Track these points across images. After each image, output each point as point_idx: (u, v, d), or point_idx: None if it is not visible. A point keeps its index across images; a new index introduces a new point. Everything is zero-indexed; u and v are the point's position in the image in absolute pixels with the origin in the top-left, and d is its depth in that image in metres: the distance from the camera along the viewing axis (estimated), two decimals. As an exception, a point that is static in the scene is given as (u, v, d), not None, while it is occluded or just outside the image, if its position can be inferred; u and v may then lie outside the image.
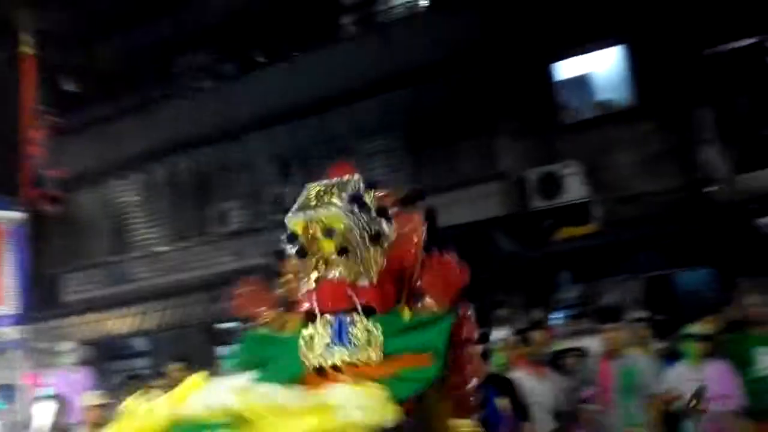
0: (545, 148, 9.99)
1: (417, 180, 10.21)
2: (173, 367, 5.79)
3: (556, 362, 5.99)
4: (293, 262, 2.06)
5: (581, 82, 10.44)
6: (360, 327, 1.85)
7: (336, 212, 1.87)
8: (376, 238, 1.90)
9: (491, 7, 10.09)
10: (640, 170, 9.44)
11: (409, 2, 11.62)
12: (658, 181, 9.24)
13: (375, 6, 12.00)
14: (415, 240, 1.93)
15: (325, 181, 2.01)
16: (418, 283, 1.95)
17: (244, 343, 2.13)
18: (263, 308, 2.07)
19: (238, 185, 12.48)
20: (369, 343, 1.87)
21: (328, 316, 1.90)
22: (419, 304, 1.95)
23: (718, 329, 5.28)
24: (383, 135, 11.25)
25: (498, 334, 5.76)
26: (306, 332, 1.93)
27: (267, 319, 2.06)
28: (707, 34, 8.91)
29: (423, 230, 1.95)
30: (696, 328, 5.19)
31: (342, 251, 1.87)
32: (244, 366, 2.03)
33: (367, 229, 1.88)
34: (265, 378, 1.88)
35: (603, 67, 10.28)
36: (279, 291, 2.09)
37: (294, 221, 1.94)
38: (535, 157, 9.93)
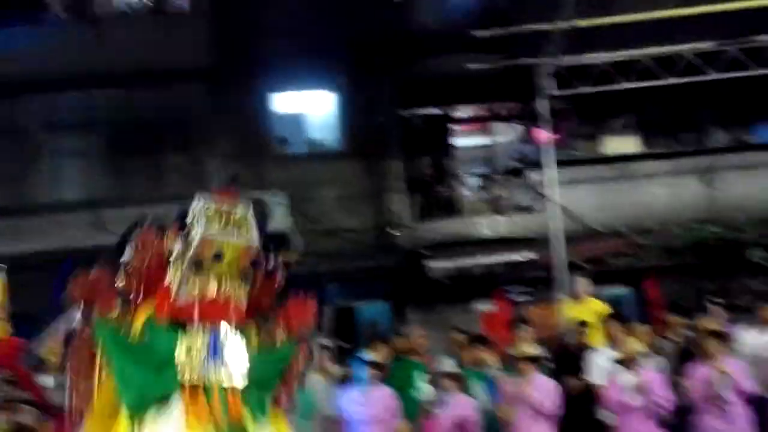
0: (254, 175, 10.19)
1: (117, 189, 9.50)
2: None
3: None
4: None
5: (296, 119, 11.00)
6: (232, 342, 2.05)
7: (252, 248, 2.13)
8: (270, 274, 2.24)
9: (219, 28, 10.07)
10: (340, 207, 10.24)
11: (131, 2, 10.92)
12: (354, 219, 10.12)
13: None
14: (277, 281, 2.28)
15: (231, 205, 2.17)
16: (273, 314, 2.26)
17: (110, 338, 2.05)
18: (106, 299, 2.03)
19: None
20: (237, 362, 2.08)
21: (202, 327, 2.03)
22: (270, 330, 2.24)
23: (387, 357, 5.92)
24: (82, 135, 10.23)
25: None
26: (184, 342, 2.02)
27: (111, 312, 2.03)
28: (406, 97, 10.18)
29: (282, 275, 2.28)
30: (369, 355, 5.76)
31: (244, 277, 2.13)
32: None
33: (264, 267, 2.20)
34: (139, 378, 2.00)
35: (318, 109, 11.00)
36: (120, 283, 2.08)
37: (216, 239, 2.08)
38: (244, 182, 10.02)
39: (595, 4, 8.04)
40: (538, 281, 8.70)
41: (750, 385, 5.42)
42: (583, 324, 6.63)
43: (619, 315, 6.63)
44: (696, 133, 10.83)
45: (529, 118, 9.75)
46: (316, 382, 5.72)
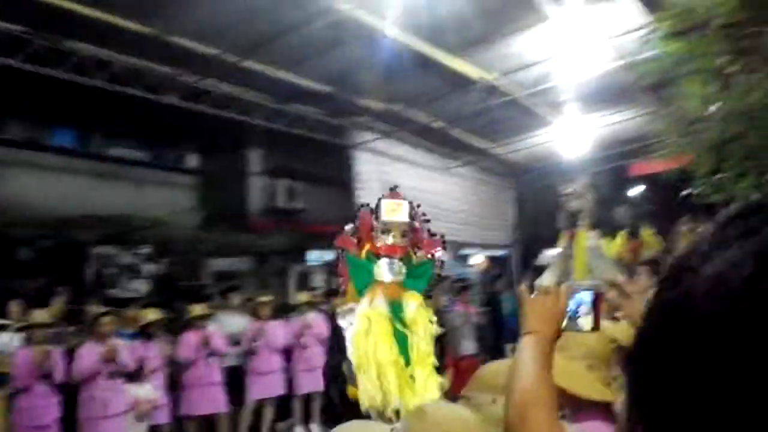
0: None
1: None
2: None
3: None
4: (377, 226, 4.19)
5: None
6: (398, 264, 4.08)
7: (405, 223, 4.19)
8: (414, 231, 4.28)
9: None
10: None
11: None
12: None
13: None
14: (424, 230, 4.27)
15: (396, 201, 4.17)
16: (421, 246, 4.29)
17: (354, 262, 4.15)
18: (352, 245, 4.18)
19: None
20: (400, 271, 4.10)
21: (387, 257, 4.12)
22: (420, 254, 4.25)
23: None
24: None
25: None
26: (379, 262, 4.10)
27: (354, 250, 4.15)
28: None
29: (424, 225, 4.27)
30: None
31: (405, 235, 4.19)
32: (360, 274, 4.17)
33: (413, 229, 4.24)
34: (361, 280, 4.14)
35: None
36: (354, 236, 4.17)
37: (389, 222, 4.15)
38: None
39: None
40: None
41: None
42: None
43: None
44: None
45: None
46: None
